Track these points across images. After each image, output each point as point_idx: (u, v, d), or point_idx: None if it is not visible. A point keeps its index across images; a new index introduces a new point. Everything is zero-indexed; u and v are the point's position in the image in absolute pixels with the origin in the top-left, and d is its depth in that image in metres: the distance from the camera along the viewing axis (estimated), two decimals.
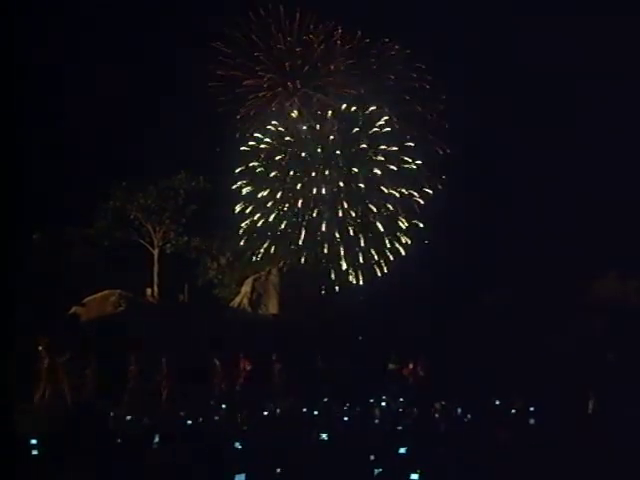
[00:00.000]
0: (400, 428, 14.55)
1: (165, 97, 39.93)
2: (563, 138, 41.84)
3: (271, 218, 43.53)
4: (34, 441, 11.89)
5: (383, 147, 44.78)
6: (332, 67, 44.47)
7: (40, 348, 21.23)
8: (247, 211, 43.34)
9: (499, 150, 42.04)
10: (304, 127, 45.04)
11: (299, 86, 44.47)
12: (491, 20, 41.21)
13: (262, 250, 42.49)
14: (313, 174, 44.65)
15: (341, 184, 44.43)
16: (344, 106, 44.53)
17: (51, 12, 38.22)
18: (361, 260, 43.82)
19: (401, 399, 21.73)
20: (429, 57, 43.27)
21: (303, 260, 42.84)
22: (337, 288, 43.03)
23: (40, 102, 37.44)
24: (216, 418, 17.98)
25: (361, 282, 43.81)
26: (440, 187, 44.41)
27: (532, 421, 13.97)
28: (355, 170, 44.35)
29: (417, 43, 42.73)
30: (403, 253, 44.22)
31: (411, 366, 29.03)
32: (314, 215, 44.09)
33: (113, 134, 38.71)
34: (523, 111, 42.12)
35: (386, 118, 44.59)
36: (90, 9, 39.10)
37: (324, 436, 11.69)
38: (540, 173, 41.99)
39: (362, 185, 44.28)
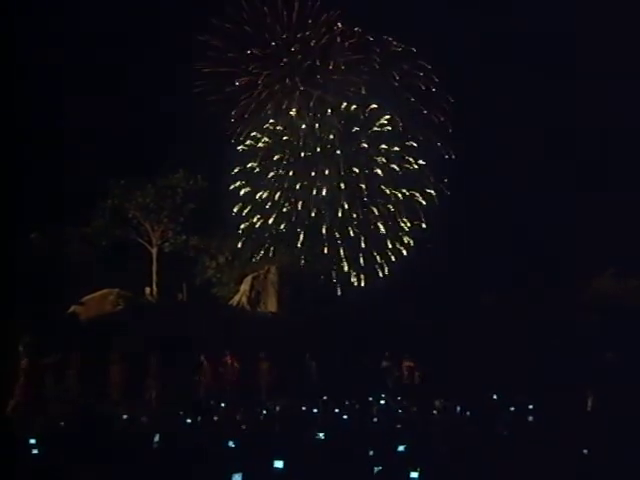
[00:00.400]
0: (399, 426, 14.52)
1: (163, 96, 39.86)
2: (562, 136, 41.82)
3: (270, 220, 43.06)
4: (33, 441, 11.88)
5: (384, 147, 44.25)
6: (332, 64, 43.80)
7: (20, 348, 20.96)
8: (245, 212, 43.03)
9: (499, 150, 41.92)
10: (303, 126, 44.66)
11: (299, 84, 44.05)
12: (492, 19, 41.07)
13: (262, 252, 42.18)
14: (313, 174, 44.25)
15: (342, 185, 43.88)
16: (344, 104, 43.98)
17: (47, 12, 38.25)
18: (362, 262, 43.39)
19: (398, 397, 21.70)
20: (434, 56, 42.86)
21: (303, 261, 42.49)
22: (339, 289, 42.72)
23: (37, 102, 37.42)
24: (215, 418, 17.93)
25: (362, 283, 43.36)
26: (443, 188, 43.98)
27: (531, 418, 13.94)
28: (356, 170, 43.88)
29: (421, 41, 42.42)
30: (405, 254, 43.75)
31: (406, 364, 29.07)
32: (312, 215, 43.68)
33: (111, 133, 38.65)
34: (522, 110, 42.04)
35: (387, 117, 44.06)
36: (87, 6, 39.05)
37: (321, 435, 11.61)
38: (539, 172, 41.94)
39: (363, 186, 43.87)
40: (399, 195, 44.23)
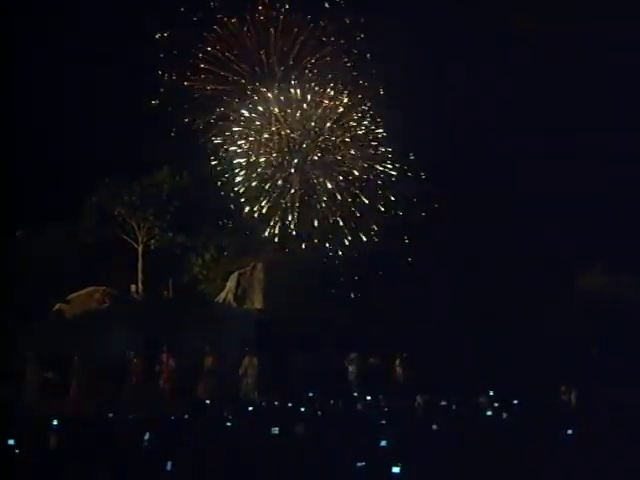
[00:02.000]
0: (383, 422, 14.56)
1: (150, 94, 39.73)
2: (552, 133, 41.85)
3: (266, 233, 41.53)
4: (12, 442, 11.87)
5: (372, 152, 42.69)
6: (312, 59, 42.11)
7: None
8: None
9: (488, 148, 41.77)
10: (293, 132, 42.61)
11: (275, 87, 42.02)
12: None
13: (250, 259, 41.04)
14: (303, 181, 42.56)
15: (338, 197, 42.24)
16: (330, 106, 42.37)
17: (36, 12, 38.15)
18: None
19: (381, 395, 21.81)
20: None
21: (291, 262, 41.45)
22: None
23: (24, 101, 37.36)
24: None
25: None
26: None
27: (505, 415, 13.95)
28: (349, 178, 42.35)
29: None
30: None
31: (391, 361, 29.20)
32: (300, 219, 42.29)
33: (96, 131, 38.54)
34: (512, 111, 41.89)
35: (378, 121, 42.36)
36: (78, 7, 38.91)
37: (276, 430, 11.49)
38: (531, 169, 41.79)
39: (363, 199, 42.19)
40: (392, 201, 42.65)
